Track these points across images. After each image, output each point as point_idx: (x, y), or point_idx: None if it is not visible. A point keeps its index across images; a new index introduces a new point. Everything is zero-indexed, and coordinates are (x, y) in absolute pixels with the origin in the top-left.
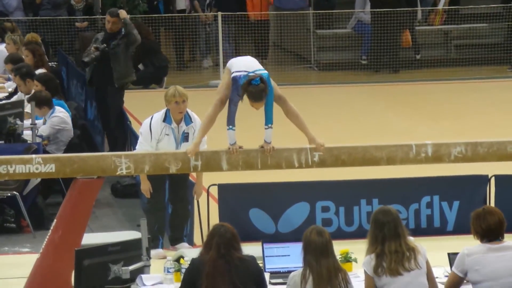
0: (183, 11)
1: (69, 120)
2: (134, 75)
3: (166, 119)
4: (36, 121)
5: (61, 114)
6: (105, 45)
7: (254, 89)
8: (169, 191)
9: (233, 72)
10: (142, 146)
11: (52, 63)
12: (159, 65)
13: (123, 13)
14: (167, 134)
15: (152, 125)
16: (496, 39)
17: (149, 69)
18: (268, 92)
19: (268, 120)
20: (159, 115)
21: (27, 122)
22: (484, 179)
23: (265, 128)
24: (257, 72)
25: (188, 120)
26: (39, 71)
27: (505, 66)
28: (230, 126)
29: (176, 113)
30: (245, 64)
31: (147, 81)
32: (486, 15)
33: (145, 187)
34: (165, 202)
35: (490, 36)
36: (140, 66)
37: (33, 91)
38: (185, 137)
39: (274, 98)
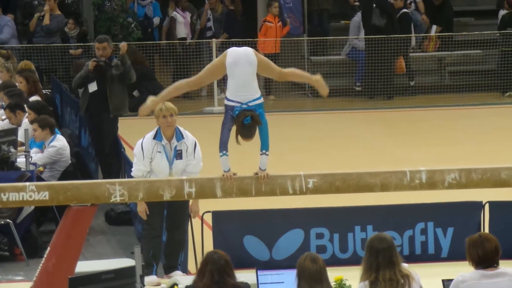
0: (183, 39)
1: (67, 149)
2: (127, 108)
3: (157, 136)
4: (30, 150)
5: (58, 144)
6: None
7: (244, 129)
8: (167, 218)
9: (226, 98)
10: (137, 167)
11: (46, 90)
12: (154, 92)
13: (123, 49)
14: (159, 152)
15: (144, 144)
16: (489, 66)
17: (144, 95)
18: (261, 122)
19: (263, 146)
20: (150, 134)
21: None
22: (478, 206)
23: (260, 154)
24: (250, 104)
25: (179, 136)
26: (33, 98)
27: (499, 92)
28: (224, 152)
29: (165, 128)
30: (239, 91)
31: None
32: (479, 42)
33: (141, 209)
34: (162, 229)
35: (484, 63)
36: (135, 93)
37: (25, 120)
38: (178, 154)
39: (276, 76)
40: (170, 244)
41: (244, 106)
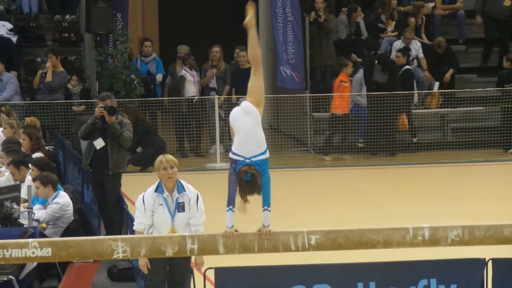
0: (192, 97)
1: (70, 206)
2: (126, 166)
3: (158, 189)
4: (33, 206)
5: (62, 200)
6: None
7: (244, 186)
8: (169, 277)
9: (231, 151)
10: (139, 220)
11: (49, 147)
12: (158, 146)
13: (111, 120)
14: (161, 204)
15: (145, 197)
16: (492, 123)
17: (148, 150)
18: (259, 182)
19: (265, 202)
20: (151, 187)
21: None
22: (481, 263)
23: (263, 211)
24: (254, 159)
25: (180, 188)
26: (36, 154)
27: (501, 149)
28: (230, 207)
29: (166, 180)
30: (244, 146)
31: (146, 163)
32: (482, 99)
33: (143, 263)
34: (165, 285)
35: (487, 119)
36: (138, 149)
37: (28, 177)
38: (180, 207)
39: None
40: None
41: (247, 161)
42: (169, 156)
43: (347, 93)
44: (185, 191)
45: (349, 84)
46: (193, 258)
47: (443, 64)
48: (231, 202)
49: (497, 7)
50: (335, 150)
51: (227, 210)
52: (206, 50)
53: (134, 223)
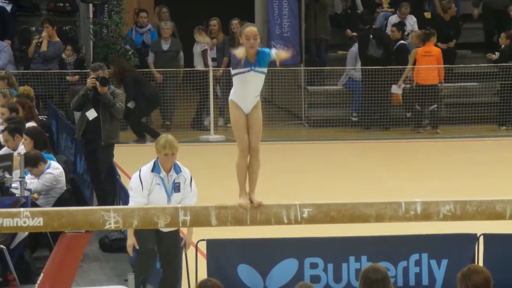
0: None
1: (62, 176)
2: (118, 137)
3: (155, 168)
4: (25, 175)
5: (55, 171)
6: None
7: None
8: (160, 256)
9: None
10: (135, 199)
11: (42, 116)
12: (149, 95)
13: (103, 90)
14: (158, 184)
15: (142, 176)
16: (486, 98)
17: (141, 102)
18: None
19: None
20: (147, 166)
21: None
22: (473, 238)
23: (274, 52)
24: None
25: (178, 169)
26: (29, 124)
27: (495, 125)
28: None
29: (165, 163)
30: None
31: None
32: (477, 74)
33: (130, 242)
34: (155, 252)
35: (481, 95)
36: (130, 104)
37: (21, 145)
38: (176, 187)
39: (250, 148)
40: (164, 281)
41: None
42: (172, 142)
43: (432, 64)
44: (181, 171)
45: (434, 55)
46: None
47: (448, 33)
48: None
49: None
50: (329, 124)
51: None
52: (202, 23)
53: (129, 203)
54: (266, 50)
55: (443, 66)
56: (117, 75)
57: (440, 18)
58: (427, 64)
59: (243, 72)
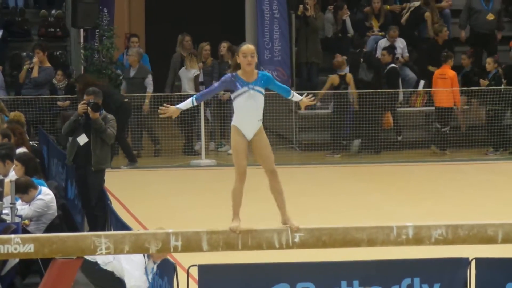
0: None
1: (53, 202)
2: (109, 162)
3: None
4: (16, 201)
5: (46, 197)
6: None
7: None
8: None
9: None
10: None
11: (33, 142)
12: (115, 108)
13: (95, 116)
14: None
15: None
16: (476, 122)
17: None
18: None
19: (287, 92)
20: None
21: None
22: (465, 262)
23: (291, 97)
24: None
25: None
26: (20, 150)
27: (484, 149)
28: (196, 97)
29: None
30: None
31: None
32: (467, 98)
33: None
34: None
35: (471, 119)
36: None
37: (12, 171)
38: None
39: (265, 171)
40: None
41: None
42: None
43: (448, 86)
44: None
45: (449, 77)
46: None
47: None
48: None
49: (481, 21)
50: (320, 148)
51: (192, 97)
52: (194, 46)
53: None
54: (268, 74)
55: (458, 89)
56: (82, 91)
57: (433, 41)
58: (443, 87)
59: (242, 93)
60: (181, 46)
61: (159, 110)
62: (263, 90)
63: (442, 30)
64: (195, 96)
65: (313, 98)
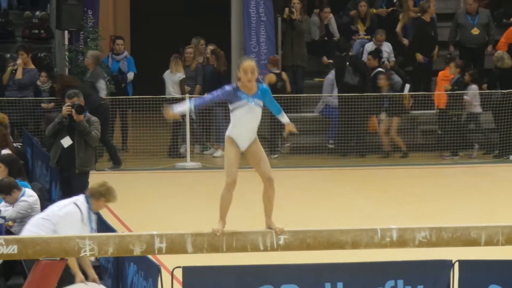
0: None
1: (37, 204)
2: (93, 165)
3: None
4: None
5: (30, 199)
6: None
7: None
8: None
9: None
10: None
11: (17, 144)
12: (92, 109)
13: (79, 118)
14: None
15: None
16: (460, 125)
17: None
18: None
19: (278, 111)
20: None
21: None
22: (448, 264)
23: (279, 117)
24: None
25: None
26: (3, 151)
27: (468, 152)
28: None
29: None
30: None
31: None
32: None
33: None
34: None
35: (456, 122)
36: None
37: None
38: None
39: (262, 178)
40: None
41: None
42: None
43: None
44: None
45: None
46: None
47: (429, 34)
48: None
49: (467, 36)
50: (306, 151)
51: (190, 103)
52: (178, 50)
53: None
54: (267, 88)
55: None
56: (60, 91)
57: (421, 20)
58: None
59: (242, 106)
60: (196, 50)
61: (164, 113)
62: (261, 103)
63: (429, 6)
64: (193, 103)
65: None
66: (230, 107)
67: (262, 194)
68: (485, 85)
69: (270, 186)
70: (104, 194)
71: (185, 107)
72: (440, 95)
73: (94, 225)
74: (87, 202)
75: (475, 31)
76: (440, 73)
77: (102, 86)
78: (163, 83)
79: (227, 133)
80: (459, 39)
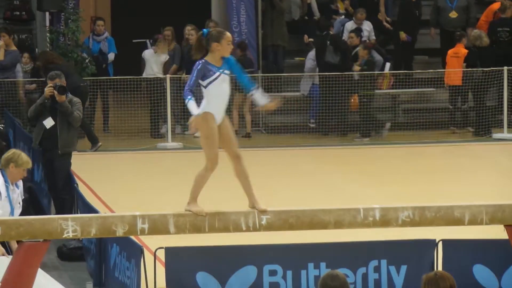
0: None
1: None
2: (75, 146)
3: (5, 180)
4: None
5: None
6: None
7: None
8: None
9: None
10: None
11: None
12: (71, 88)
13: (61, 99)
14: (6, 196)
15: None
16: (442, 104)
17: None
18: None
19: (250, 85)
20: None
21: None
22: (432, 244)
23: (252, 95)
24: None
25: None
26: None
27: (449, 130)
28: (189, 97)
29: (17, 178)
30: None
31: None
32: (432, 80)
33: None
34: None
35: (437, 101)
36: None
37: None
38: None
39: (230, 156)
40: None
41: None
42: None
43: (458, 67)
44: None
45: (462, 55)
46: None
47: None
48: (188, 93)
49: (446, 19)
50: (287, 131)
51: (188, 100)
52: (159, 30)
53: None
54: (232, 58)
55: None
56: (42, 68)
57: None
58: (455, 65)
59: (216, 79)
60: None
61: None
62: (229, 73)
63: None
64: (189, 97)
65: (276, 100)
66: (203, 83)
67: (236, 174)
68: (464, 64)
69: (239, 163)
70: (10, 159)
71: (194, 107)
72: (453, 72)
73: (17, 196)
74: (2, 175)
75: (453, 14)
76: (450, 50)
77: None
78: (142, 62)
79: (203, 109)
80: (440, 22)
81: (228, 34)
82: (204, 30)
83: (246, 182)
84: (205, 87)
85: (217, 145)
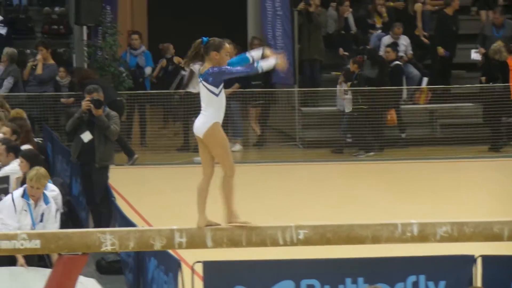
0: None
1: (58, 199)
2: (113, 159)
3: (25, 195)
4: None
5: (51, 193)
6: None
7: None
8: None
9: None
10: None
11: (38, 139)
12: (110, 102)
13: (98, 112)
14: (25, 210)
15: (15, 199)
16: (479, 119)
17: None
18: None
19: (251, 65)
20: (19, 191)
21: None
22: (471, 259)
23: (261, 68)
24: None
25: (47, 200)
26: (25, 147)
27: (486, 146)
28: (257, 63)
29: (31, 193)
30: None
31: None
32: (471, 95)
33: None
34: None
35: (475, 116)
36: None
37: (12, 164)
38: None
39: (225, 171)
40: None
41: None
42: (40, 178)
43: None
44: (50, 203)
45: None
46: None
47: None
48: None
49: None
50: (323, 145)
51: (257, 64)
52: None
53: None
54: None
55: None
56: (77, 84)
57: (443, 13)
58: None
59: (223, 87)
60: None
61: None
62: None
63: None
64: (253, 65)
65: (281, 56)
66: (216, 91)
67: (221, 187)
68: (483, 77)
69: (228, 179)
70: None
71: (267, 60)
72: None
73: (43, 211)
74: (24, 190)
75: (499, 44)
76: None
77: (6, 83)
78: (183, 77)
79: (214, 120)
80: (485, 51)
81: (227, 45)
82: (204, 38)
83: (228, 196)
84: (217, 95)
85: (230, 152)
